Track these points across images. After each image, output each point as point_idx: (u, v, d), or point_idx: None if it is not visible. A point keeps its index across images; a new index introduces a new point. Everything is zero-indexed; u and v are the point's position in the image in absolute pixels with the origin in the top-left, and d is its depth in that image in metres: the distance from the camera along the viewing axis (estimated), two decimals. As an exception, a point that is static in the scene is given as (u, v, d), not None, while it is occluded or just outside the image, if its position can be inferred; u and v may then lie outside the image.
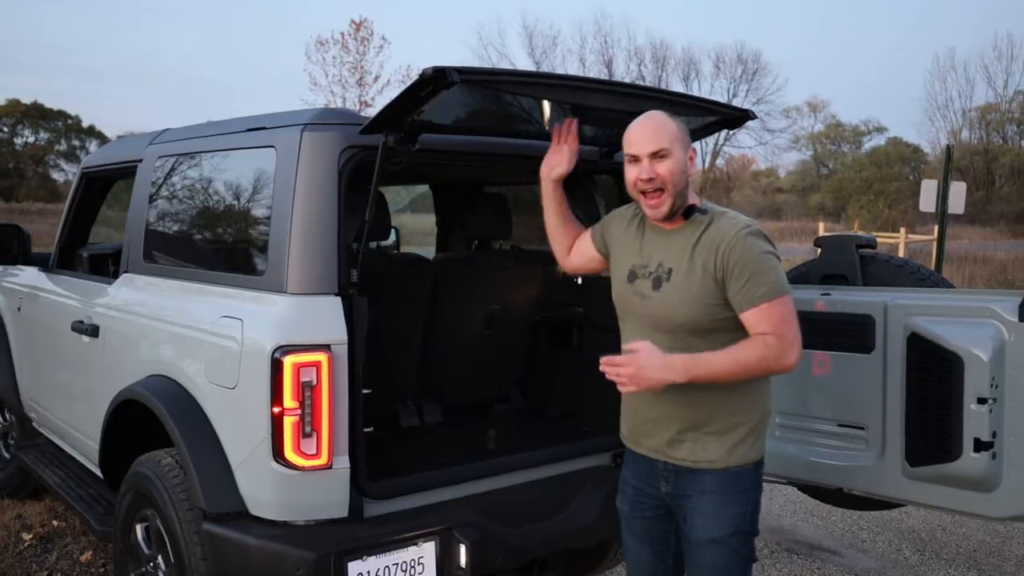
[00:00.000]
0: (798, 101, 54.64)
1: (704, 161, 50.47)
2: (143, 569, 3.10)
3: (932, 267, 10.07)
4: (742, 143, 59.48)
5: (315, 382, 2.56)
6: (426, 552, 2.74)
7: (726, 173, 53.45)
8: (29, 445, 4.64)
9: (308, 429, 2.56)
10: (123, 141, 4.29)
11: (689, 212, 2.36)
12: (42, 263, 4.51)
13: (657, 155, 2.30)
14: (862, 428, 2.90)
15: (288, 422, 2.55)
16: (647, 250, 2.43)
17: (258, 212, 2.93)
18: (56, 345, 4.06)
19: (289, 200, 2.68)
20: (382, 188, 3.65)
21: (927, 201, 9.92)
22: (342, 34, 30.13)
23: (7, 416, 4.96)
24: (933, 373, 2.68)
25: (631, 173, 2.34)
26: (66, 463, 4.26)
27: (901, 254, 19.25)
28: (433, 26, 74.42)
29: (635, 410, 2.49)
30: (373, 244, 3.56)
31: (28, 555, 4.24)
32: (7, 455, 4.97)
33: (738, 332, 2.29)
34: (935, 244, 10.19)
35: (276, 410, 2.55)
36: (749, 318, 2.26)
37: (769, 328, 2.23)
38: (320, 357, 2.56)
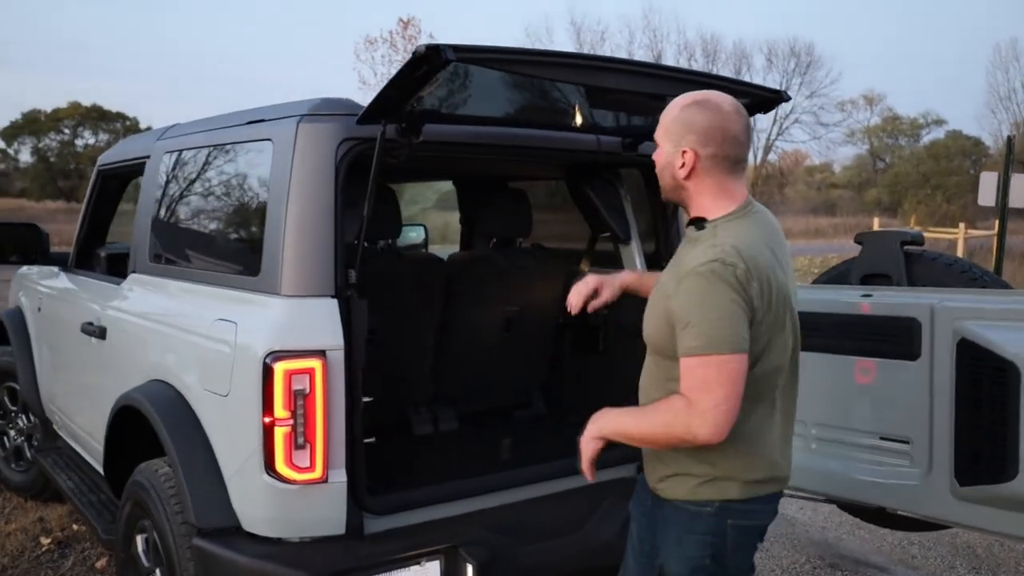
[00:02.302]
0: (854, 94, 53.45)
1: (756, 156, 49.73)
2: (143, 582, 2.98)
3: (992, 264, 9.63)
4: (795, 138, 58.43)
5: (308, 390, 2.40)
6: (430, 572, 2.57)
7: (779, 168, 52.52)
8: (49, 448, 4.57)
9: (301, 440, 2.41)
10: (136, 137, 4.19)
11: (693, 223, 2.11)
12: (63, 263, 4.44)
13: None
14: (906, 442, 2.65)
15: (279, 433, 2.39)
16: None
17: (256, 209, 2.78)
18: (69, 347, 3.98)
19: (284, 196, 2.53)
20: (394, 184, 3.49)
21: (987, 195, 9.47)
22: (390, 32, 30.33)
23: (31, 418, 4.90)
24: (986, 383, 2.42)
25: None
26: (82, 467, 4.18)
27: (960, 250, 18.64)
28: (481, 23, 74.37)
29: None
30: (384, 242, 3.39)
31: (44, 560, 4.17)
32: (30, 457, 4.92)
33: None
34: (996, 240, 9.73)
35: (267, 420, 2.39)
36: (680, 369, 1.98)
37: (685, 388, 1.93)
38: (314, 364, 2.40)
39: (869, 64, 77.74)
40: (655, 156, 2.13)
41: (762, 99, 2.74)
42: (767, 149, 49.59)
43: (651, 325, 2.09)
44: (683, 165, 2.03)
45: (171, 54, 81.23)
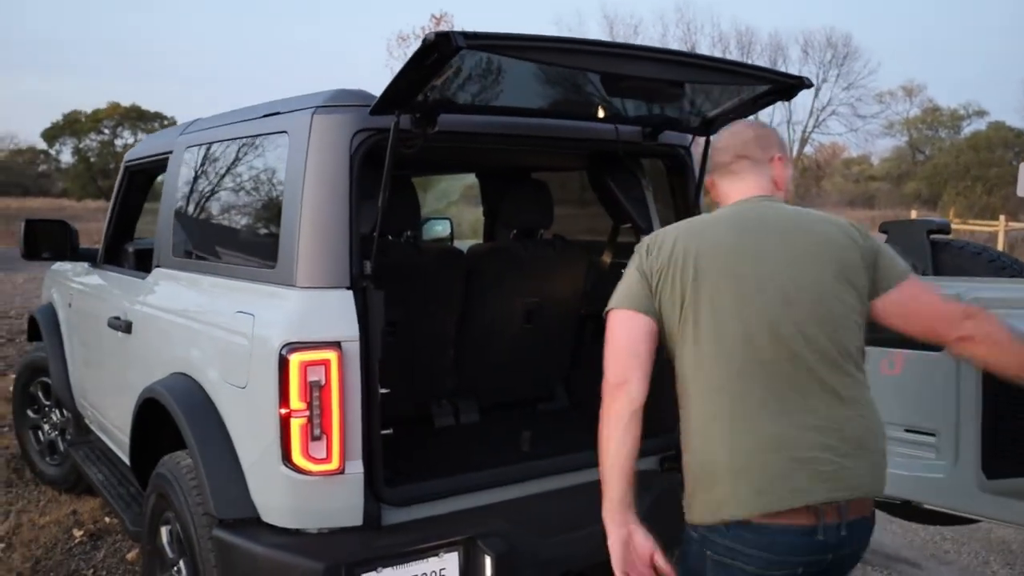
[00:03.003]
0: (892, 86, 52.62)
1: (792, 149, 49.17)
2: (169, 574, 3.00)
3: (1032, 255, 9.43)
4: (832, 130, 57.82)
5: (324, 382, 2.39)
6: (448, 564, 2.55)
7: (815, 161, 51.88)
8: (81, 441, 4.64)
9: (317, 432, 2.40)
10: (160, 133, 4.23)
11: None
12: (92, 259, 4.49)
13: None
14: (932, 434, 2.58)
15: (295, 424, 2.39)
16: None
17: (273, 202, 2.79)
18: (98, 341, 4.03)
19: (299, 188, 2.53)
20: (417, 176, 3.47)
21: (1026, 185, 9.27)
22: (423, 29, 30.36)
23: (63, 412, 4.98)
24: None
25: None
26: (112, 461, 4.23)
27: (1000, 242, 18.29)
28: (514, 18, 74.28)
29: None
30: (407, 234, 3.37)
31: (77, 552, 4.23)
32: (63, 451, 5.00)
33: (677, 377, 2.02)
34: (1036, 231, 9.52)
35: (283, 411, 2.40)
36: None
37: None
38: (329, 355, 2.40)
39: (908, 54, 76.41)
40: None
41: (783, 86, 2.70)
42: (803, 142, 49.01)
43: None
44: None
45: (209, 53, 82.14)
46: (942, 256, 2.83)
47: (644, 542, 1.88)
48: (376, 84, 2.50)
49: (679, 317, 1.95)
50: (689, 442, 1.98)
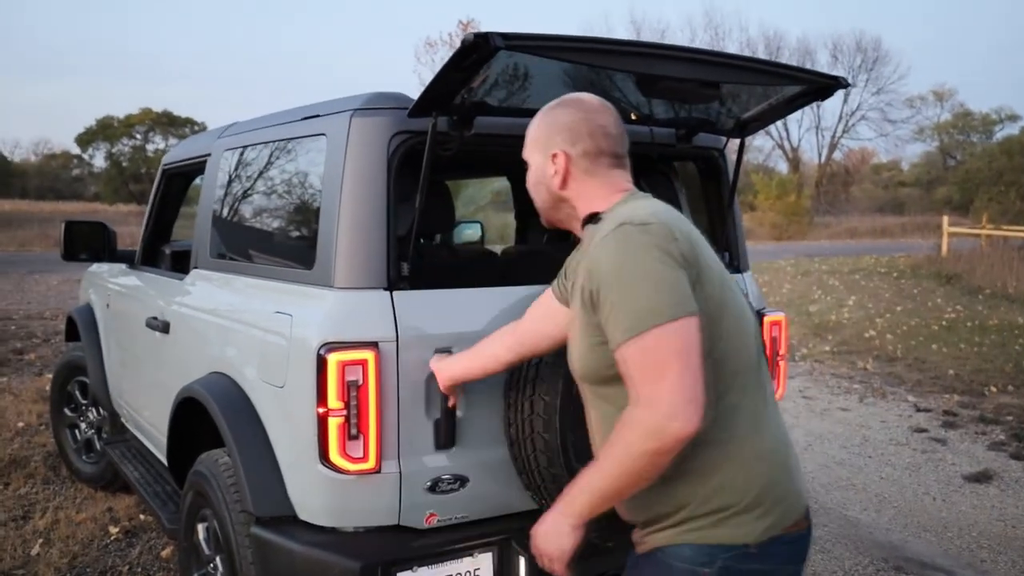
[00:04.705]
0: (923, 90, 52.25)
1: (820, 155, 48.81)
2: (205, 570, 3.04)
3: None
4: (861, 135, 57.35)
5: (361, 381, 2.41)
6: (482, 564, 2.57)
7: (844, 167, 51.47)
8: (117, 440, 4.71)
9: (354, 431, 2.42)
10: (198, 136, 4.29)
11: (588, 221, 1.86)
12: (130, 260, 4.56)
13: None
14: None
15: (333, 424, 2.41)
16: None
17: (311, 204, 2.82)
18: (135, 341, 4.08)
19: (337, 190, 2.55)
20: (451, 180, 3.48)
21: (1062, 190, 9.14)
22: (450, 35, 30.53)
23: (100, 411, 5.05)
24: None
25: None
26: (148, 459, 4.29)
27: (1035, 249, 18.03)
28: (540, 23, 74.39)
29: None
30: (439, 237, 3.40)
31: (112, 549, 4.28)
32: (99, 449, 5.07)
33: None
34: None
35: (321, 411, 2.42)
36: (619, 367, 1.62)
37: (631, 387, 1.57)
38: (367, 355, 2.42)
39: (939, 58, 75.61)
40: (527, 178, 2.06)
41: (819, 86, 2.68)
42: (832, 147, 48.64)
43: (576, 351, 1.75)
44: (556, 172, 1.88)
45: (243, 60, 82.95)
46: None
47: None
48: (407, 90, 2.51)
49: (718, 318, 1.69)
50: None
